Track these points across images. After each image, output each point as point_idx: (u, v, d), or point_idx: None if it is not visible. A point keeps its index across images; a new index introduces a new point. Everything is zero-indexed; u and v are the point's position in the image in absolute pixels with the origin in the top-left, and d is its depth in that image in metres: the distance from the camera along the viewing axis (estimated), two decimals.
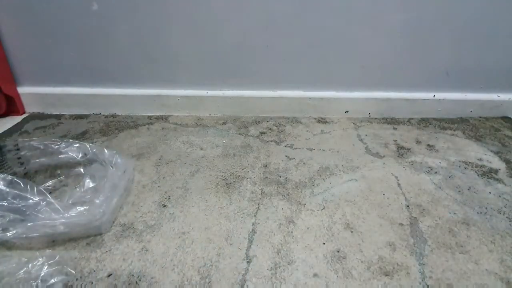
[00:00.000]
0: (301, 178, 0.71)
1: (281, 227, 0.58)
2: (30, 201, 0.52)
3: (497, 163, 0.78)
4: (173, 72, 0.94)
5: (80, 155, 0.65)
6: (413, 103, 0.98)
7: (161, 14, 0.84)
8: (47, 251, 0.52)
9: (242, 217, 0.60)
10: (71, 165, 0.66)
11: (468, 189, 0.69)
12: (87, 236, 0.55)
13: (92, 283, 0.47)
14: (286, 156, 0.79)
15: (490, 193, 0.68)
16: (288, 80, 0.95)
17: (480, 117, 1.01)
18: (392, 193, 0.67)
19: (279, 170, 0.74)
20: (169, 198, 0.65)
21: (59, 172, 0.67)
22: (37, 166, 0.66)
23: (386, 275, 0.49)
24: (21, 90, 0.96)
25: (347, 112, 1.00)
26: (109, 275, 0.48)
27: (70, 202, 0.59)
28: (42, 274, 0.46)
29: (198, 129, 0.91)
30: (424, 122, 0.97)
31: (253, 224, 0.58)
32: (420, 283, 0.48)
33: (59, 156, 0.65)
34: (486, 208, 0.63)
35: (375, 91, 0.97)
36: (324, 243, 0.55)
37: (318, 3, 0.82)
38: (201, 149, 0.82)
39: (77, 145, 0.65)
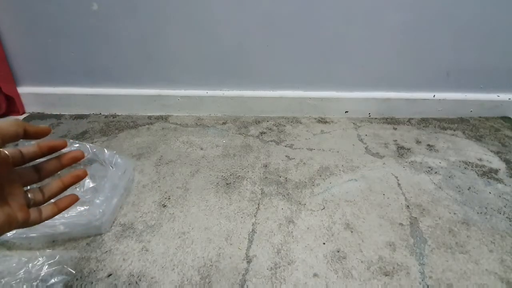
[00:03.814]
0: (301, 178, 0.71)
1: (281, 227, 0.58)
2: None
3: (497, 163, 0.78)
4: (173, 72, 0.94)
5: None
6: (413, 103, 0.98)
7: (161, 14, 0.84)
8: (47, 251, 0.52)
9: (242, 217, 0.60)
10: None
11: (468, 189, 0.69)
12: (87, 236, 0.55)
13: (92, 283, 0.47)
14: (286, 156, 0.79)
15: (490, 193, 0.68)
16: (288, 80, 0.95)
17: (480, 117, 1.01)
18: (392, 193, 0.67)
19: (279, 170, 0.74)
20: (169, 198, 0.65)
21: (59, 172, 0.67)
22: None
23: (386, 275, 0.49)
24: (21, 90, 0.96)
25: (347, 112, 1.00)
26: (109, 275, 0.48)
27: None
28: (42, 274, 0.46)
29: (198, 129, 0.91)
30: (424, 122, 0.97)
31: (253, 224, 0.58)
32: (420, 283, 0.48)
33: None
34: (486, 208, 0.63)
35: (375, 91, 0.97)
36: (324, 243, 0.55)
37: (318, 3, 0.82)
38: (201, 149, 0.82)
39: (77, 145, 0.65)
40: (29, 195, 0.30)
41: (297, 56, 0.91)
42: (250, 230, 0.57)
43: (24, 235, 0.51)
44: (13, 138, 0.26)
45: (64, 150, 0.32)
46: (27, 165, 0.30)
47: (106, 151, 0.65)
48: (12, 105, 0.96)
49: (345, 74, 0.95)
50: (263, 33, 0.87)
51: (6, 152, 0.28)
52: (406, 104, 0.98)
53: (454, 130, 0.93)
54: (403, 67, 0.93)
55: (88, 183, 0.62)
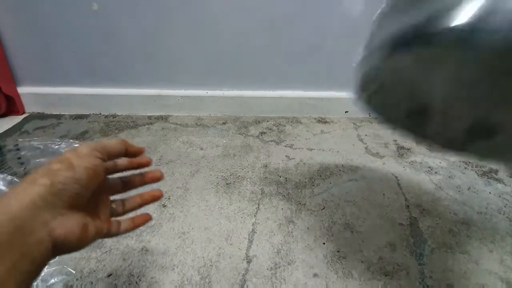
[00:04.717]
0: (301, 178, 0.71)
1: (281, 227, 0.58)
2: None
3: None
4: (173, 72, 0.94)
5: None
6: None
7: (161, 14, 0.84)
8: None
9: (242, 217, 0.60)
10: None
11: (468, 189, 0.69)
12: None
13: (92, 283, 0.47)
14: (286, 156, 0.79)
15: (490, 193, 0.68)
16: (288, 80, 0.95)
17: None
18: (392, 193, 0.67)
19: (279, 170, 0.74)
20: (169, 198, 0.65)
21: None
22: (37, 166, 0.66)
23: (386, 275, 0.49)
24: (21, 90, 0.96)
25: (347, 112, 1.00)
26: (109, 275, 0.48)
27: None
28: (42, 274, 0.46)
29: (198, 129, 0.91)
30: None
31: (253, 224, 0.58)
32: (420, 283, 0.48)
33: None
34: (486, 208, 0.63)
35: None
36: (324, 243, 0.55)
37: (317, 3, 0.82)
38: (201, 149, 0.82)
39: (77, 145, 0.65)
40: (113, 206, 0.32)
41: (297, 56, 0.91)
42: (250, 230, 0.57)
43: None
44: (117, 155, 0.30)
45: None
46: (113, 176, 0.32)
47: None
48: (12, 105, 0.96)
49: (345, 74, 0.94)
50: (263, 33, 0.87)
51: (106, 165, 0.30)
52: None
53: None
54: None
55: None
